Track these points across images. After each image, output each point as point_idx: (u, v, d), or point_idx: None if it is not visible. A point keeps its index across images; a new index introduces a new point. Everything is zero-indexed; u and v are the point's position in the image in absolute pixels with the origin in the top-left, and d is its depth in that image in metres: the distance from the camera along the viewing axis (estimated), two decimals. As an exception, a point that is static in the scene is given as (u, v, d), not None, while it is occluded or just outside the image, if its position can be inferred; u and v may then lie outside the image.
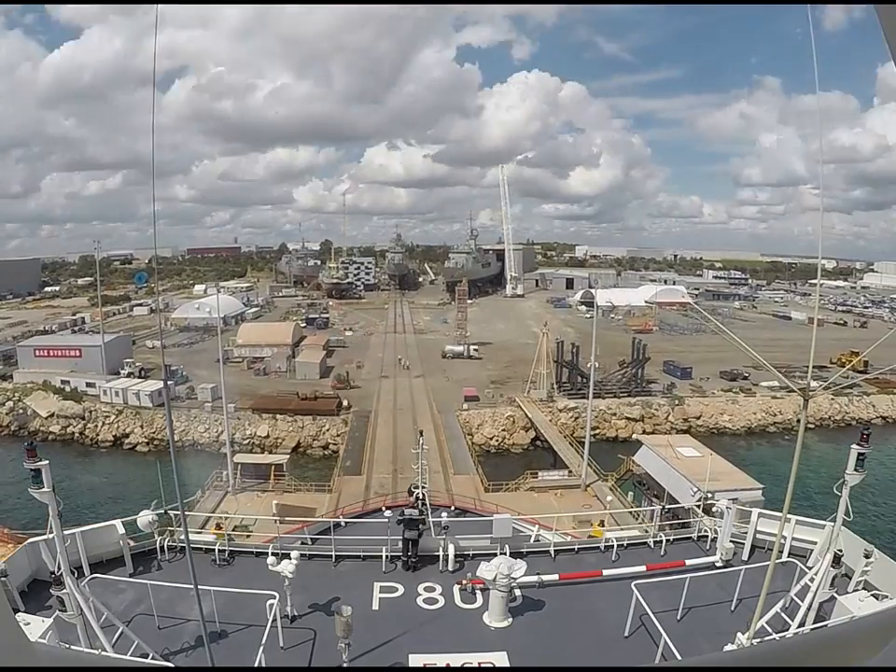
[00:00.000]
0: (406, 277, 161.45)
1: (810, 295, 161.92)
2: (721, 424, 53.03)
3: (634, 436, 51.07)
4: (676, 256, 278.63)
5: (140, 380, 57.07)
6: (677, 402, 54.26)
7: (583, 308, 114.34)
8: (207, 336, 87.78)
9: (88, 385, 56.30)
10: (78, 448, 49.49)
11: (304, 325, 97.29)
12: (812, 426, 54.08)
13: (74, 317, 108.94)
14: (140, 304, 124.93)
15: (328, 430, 48.05)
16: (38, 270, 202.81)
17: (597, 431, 48.23)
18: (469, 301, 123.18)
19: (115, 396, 53.29)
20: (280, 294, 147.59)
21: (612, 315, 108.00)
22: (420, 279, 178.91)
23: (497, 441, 47.90)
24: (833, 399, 57.98)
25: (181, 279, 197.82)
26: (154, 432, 49.28)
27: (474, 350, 71.34)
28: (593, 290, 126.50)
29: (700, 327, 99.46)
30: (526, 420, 49.16)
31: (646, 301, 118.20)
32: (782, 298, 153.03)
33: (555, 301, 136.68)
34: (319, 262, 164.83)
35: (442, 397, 53.41)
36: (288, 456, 36.68)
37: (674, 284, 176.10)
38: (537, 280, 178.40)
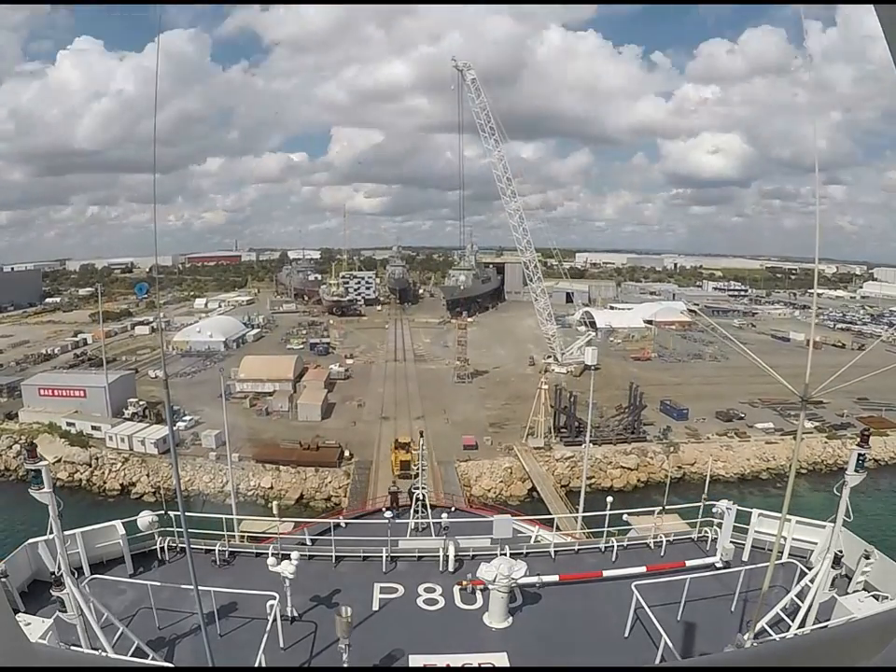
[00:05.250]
0: (406, 291, 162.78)
1: (810, 308, 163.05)
2: (715, 471, 54.00)
3: (628, 485, 52.69)
4: (676, 265, 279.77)
5: (145, 424, 58.04)
6: (672, 449, 55.23)
7: (583, 329, 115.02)
8: (209, 363, 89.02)
9: (93, 428, 57.32)
10: (86, 496, 50.45)
11: (304, 344, 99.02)
12: (804, 471, 55.02)
13: (76, 339, 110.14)
14: (142, 323, 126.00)
15: (330, 482, 49.10)
16: (39, 280, 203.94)
17: (592, 481, 49.15)
18: (469, 320, 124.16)
19: (120, 442, 54.33)
20: (281, 309, 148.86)
21: (611, 339, 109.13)
22: (420, 291, 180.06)
23: (494, 492, 48.94)
24: (826, 442, 58.97)
25: (181, 289, 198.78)
26: (160, 480, 50.27)
27: None
28: (591, 310, 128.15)
29: (698, 351, 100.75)
30: (524, 471, 50.20)
31: (644, 322, 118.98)
32: (781, 314, 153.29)
33: (556, 318, 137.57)
34: (319, 276, 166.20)
35: (442, 444, 54.36)
36: (293, 525, 37.65)
37: (673, 297, 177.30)
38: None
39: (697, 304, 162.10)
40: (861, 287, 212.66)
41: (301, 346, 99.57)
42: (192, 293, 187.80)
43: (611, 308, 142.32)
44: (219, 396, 65.90)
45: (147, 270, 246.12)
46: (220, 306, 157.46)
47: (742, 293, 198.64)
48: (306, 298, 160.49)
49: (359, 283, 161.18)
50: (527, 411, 57.76)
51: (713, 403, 68.97)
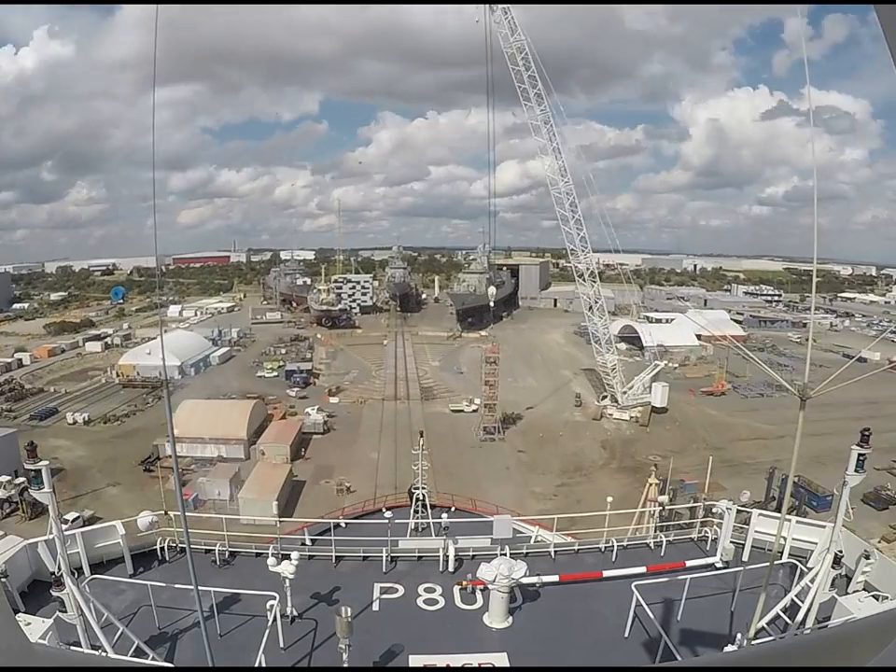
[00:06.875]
0: (408, 296, 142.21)
1: (854, 315, 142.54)
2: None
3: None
4: (696, 266, 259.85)
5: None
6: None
7: (623, 346, 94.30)
8: (152, 400, 68.49)
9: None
10: None
11: (279, 370, 78.19)
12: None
13: (9, 360, 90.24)
14: (95, 338, 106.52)
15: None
16: (8, 284, 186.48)
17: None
18: (482, 333, 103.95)
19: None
20: (263, 319, 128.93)
21: (665, 363, 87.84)
22: (423, 296, 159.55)
23: None
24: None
25: (162, 293, 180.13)
26: None
27: None
28: (632, 323, 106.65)
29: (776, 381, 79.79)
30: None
31: (699, 341, 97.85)
32: (832, 323, 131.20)
33: (584, 331, 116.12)
34: (309, 280, 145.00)
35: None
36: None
37: (705, 304, 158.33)
38: (555, 300, 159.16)
39: (741, 314, 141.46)
40: (892, 291, 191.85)
41: (276, 374, 78.86)
42: (173, 298, 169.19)
43: (647, 319, 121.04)
44: (139, 464, 46.48)
45: (129, 272, 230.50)
46: (196, 314, 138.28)
47: (776, 298, 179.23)
48: (294, 305, 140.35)
49: (354, 288, 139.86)
50: (598, 493, 36.98)
51: (841, 470, 48.13)
